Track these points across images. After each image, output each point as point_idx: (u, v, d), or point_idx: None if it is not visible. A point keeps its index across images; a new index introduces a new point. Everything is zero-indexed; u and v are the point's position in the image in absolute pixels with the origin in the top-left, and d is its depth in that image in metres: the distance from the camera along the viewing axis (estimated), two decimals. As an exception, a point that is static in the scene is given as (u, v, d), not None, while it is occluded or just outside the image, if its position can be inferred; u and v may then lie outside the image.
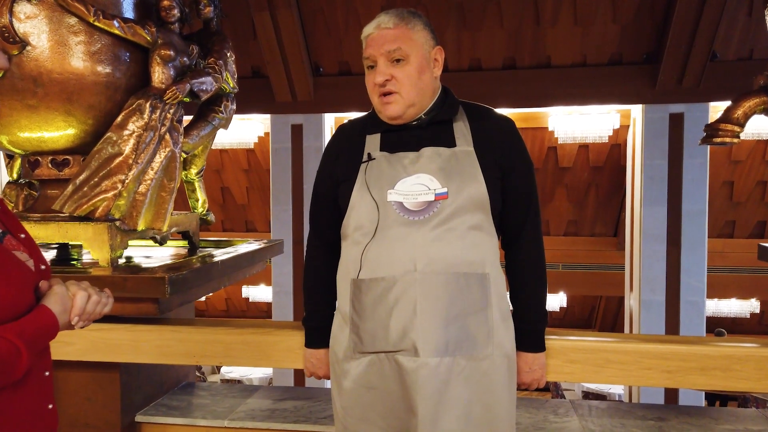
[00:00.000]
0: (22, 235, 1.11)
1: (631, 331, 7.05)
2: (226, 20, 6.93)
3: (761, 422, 1.99)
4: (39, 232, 2.00)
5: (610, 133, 7.07)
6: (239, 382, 8.09)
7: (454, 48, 6.47)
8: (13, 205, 2.35)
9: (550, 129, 7.23)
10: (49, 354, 1.12)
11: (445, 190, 1.47)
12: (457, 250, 1.46)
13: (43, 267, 1.11)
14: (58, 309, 1.03)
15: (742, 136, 6.16)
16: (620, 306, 8.21)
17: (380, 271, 1.47)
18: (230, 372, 8.33)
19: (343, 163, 1.60)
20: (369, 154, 1.56)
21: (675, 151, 6.24)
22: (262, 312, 10.36)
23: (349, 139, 1.63)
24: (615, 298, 8.53)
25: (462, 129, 1.56)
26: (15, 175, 2.35)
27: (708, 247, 6.34)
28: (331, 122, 7.00)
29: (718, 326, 8.68)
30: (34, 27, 1.92)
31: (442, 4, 6.21)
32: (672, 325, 6.53)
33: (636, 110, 6.82)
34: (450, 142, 1.54)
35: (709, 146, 6.40)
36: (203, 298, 10.25)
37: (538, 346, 1.62)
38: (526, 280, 1.62)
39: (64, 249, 2.39)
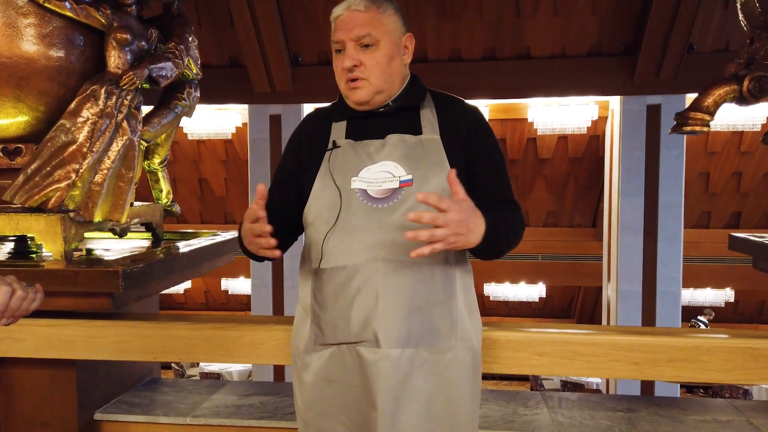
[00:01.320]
0: None
1: (608, 321, 7.09)
2: (202, 7, 6.77)
3: (730, 412, 1.97)
4: (-10, 223, 1.91)
5: (589, 125, 7.08)
6: (218, 375, 8.01)
7: (434, 38, 6.42)
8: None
9: (529, 120, 7.23)
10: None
11: (410, 177, 1.43)
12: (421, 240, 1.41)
13: None
14: None
15: (719, 127, 6.21)
16: (599, 296, 8.27)
17: (342, 260, 1.42)
18: (209, 366, 8.24)
19: (307, 151, 1.55)
20: (334, 142, 1.51)
21: (652, 143, 6.26)
22: (242, 304, 10.28)
23: (314, 127, 1.58)
24: (593, 288, 8.59)
25: (429, 117, 1.52)
26: (-32, 165, 2.25)
27: (684, 238, 6.38)
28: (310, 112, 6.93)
29: (694, 315, 8.78)
30: (-20, 8, 1.83)
31: (421, -7, 6.15)
32: (648, 315, 6.58)
33: (614, 101, 6.83)
34: (416, 130, 1.49)
35: (685, 137, 6.44)
36: (181, 291, 10.13)
37: (488, 224, 1.35)
38: (495, 211, 1.42)
39: (22, 241, 2.30)
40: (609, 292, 7.09)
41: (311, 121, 1.62)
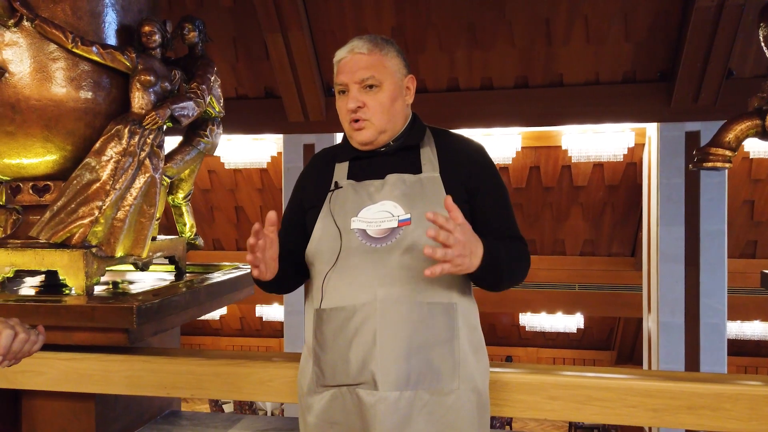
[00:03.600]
0: None
1: (649, 354, 6.85)
2: (239, 41, 7.00)
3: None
4: (18, 259, 1.99)
5: (625, 152, 6.94)
6: (252, 405, 8.04)
7: (465, 67, 6.45)
8: (2, 229, 2.36)
9: (563, 148, 7.13)
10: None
11: (408, 216, 1.43)
12: (421, 278, 1.40)
13: None
14: None
15: (762, 154, 5.99)
16: (640, 327, 7.99)
17: (341, 301, 1.42)
18: (243, 394, 8.27)
19: (311, 191, 1.58)
20: (336, 183, 1.53)
21: (692, 170, 6.09)
22: (275, 331, 10.34)
23: (319, 168, 1.62)
24: (634, 319, 8.31)
25: (429, 155, 1.52)
26: (4, 200, 2.36)
27: (729, 268, 6.14)
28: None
29: (742, 349, 8.38)
30: (14, 54, 1.93)
31: (452, 24, 6.20)
32: (692, 348, 6.33)
33: (651, 128, 6.69)
34: (416, 169, 1.50)
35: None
36: (217, 317, 10.26)
37: (486, 249, 1.34)
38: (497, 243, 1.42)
39: (53, 274, 2.38)
40: (650, 323, 6.86)
41: (317, 161, 1.64)
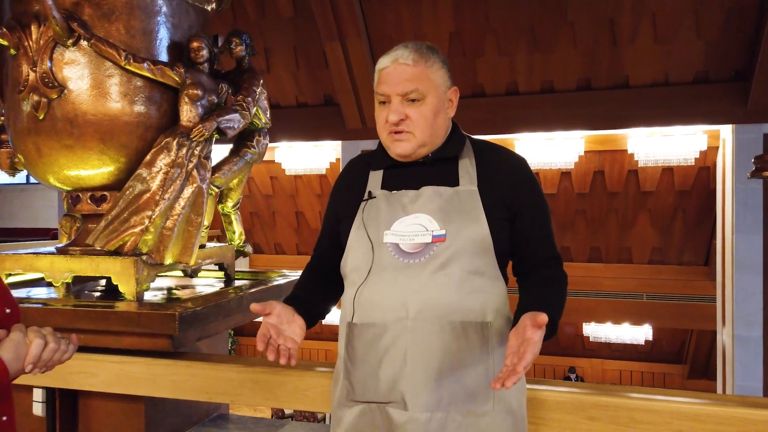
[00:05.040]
0: None
1: (723, 369, 6.47)
2: (300, 50, 7.14)
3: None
4: (76, 265, 2.10)
5: (697, 155, 6.60)
6: (314, 413, 8.11)
7: (525, 70, 6.32)
8: (67, 236, 2.50)
9: (629, 151, 6.86)
10: (9, 397, 1.14)
11: (443, 231, 1.39)
12: (454, 296, 1.37)
13: (8, 311, 1.14)
14: (10, 356, 1.04)
15: None
16: (714, 341, 7.56)
17: (372, 317, 1.40)
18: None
19: (345, 200, 1.55)
20: (369, 192, 1.50)
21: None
22: (334, 334, 10.44)
23: (354, 175, 1.59)
24: (708, 332, 7.87)
25: (467, 167, 1.47)
26: (66, 208, 2.50)
27: (812, 279, 5.72)
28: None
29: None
30: (72, 72, 2.05)
31: (512, 27, 6.10)
32: (771, 365, 5.94)
33: (725, 130, 6.34)
34: (453, 181, 1.45)
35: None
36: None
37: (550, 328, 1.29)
38: (541, 286, 1.42)
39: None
40: (724, 337, 6.48)
41: (351, 168, 1.61)
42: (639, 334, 8.38)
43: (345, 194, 1.57)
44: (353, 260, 1.47)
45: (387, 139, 1.48)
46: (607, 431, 1.54)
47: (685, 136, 6.58)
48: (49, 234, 8.52)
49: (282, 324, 1.37)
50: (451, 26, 6.22)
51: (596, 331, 8.39)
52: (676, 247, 7.72)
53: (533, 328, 1.20)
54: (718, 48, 5.74)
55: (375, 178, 1.52)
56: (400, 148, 1.46)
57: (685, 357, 8.85)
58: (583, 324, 8.45)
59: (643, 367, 9.03)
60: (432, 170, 1.48)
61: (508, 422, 1.39)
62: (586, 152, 7.01)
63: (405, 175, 1.49)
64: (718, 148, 6.56)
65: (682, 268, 7.78)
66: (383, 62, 1.46)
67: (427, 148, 1.47)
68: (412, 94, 1.41)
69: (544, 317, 1.20)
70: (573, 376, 8.72)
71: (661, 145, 6.67)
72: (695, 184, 7.13)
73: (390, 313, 1.38)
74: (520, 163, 1.52)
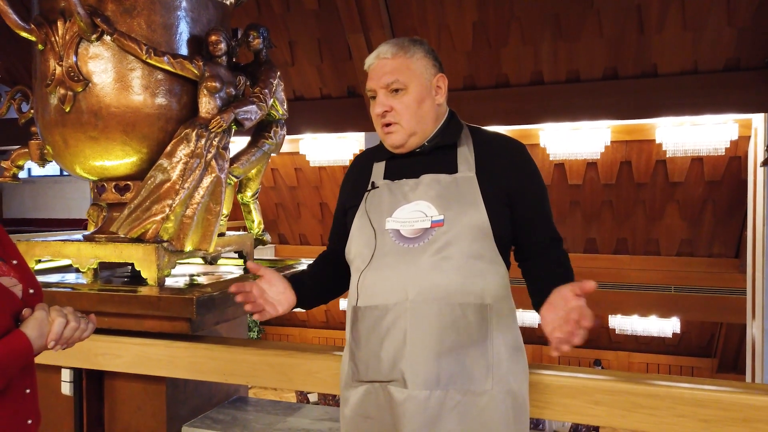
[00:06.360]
0: (15, 261, 1.22)
1: (753, 363, 6.36)
2: (324, 43, 7.18)
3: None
4: (101, 252, 2.19)
5: (727, 145, 6.47)
6: (334, 397, 8.26)
7: (550, 59, 6.26)
8: (94, 224, 2.60)
9: (657, 141, 6.76)
10: (32, 372, 1.22)
11: (441, 217, 1.44)
12: (453, 279, 1.41)
13: (31, 291, 1.21)
14: (34, 334, 1.12)
15: None
16: (744, 334, 7.41)
17: (375, 299, 1.46)
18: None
19: (351, 191, 1.63)
20: (373, 183, 1.57)
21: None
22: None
23: (360, 167, 1.67)
24: (738, 325, 7.72)
25: (465, 154, 1.52)
26: (93, 197, 2.60)
27: None
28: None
29: None
30: (96, 66, 2.13)
31: (536, 16, 6.04)
32: (802, 359, 5.81)
33: (757, 119, 6.20)
34: (452, 168, 1.50)
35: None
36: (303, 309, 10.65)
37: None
38: (548, 267, 1.47)
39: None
40: (754, 330, 6.36)
41: (358, 162, 1.70)
42: (667, 326, 8.26)
43: (351, 186, 1.65)
44: (357, 246, 1.53)
45: (381, 133, 1.56)
46: (610, 415, 1.56)
47: (715, 126, 6.45)
48: (82, 224, 8.79)
49: (270, 290, 1.52)
50: (474, 16, 6.19)
51: (622, 323, 8.30)
52: (705, 239, 7.58)
53: (576, 297, 1.23)
54: (749, 35, 5.60)
55: (378, 169, 1.60)
56: (390, 140, 1.54)
57: (715, 350, 8.69)
58: (609, 316, 8.37)
59: (671, 360, 8.91)
60: (431, 159, 1.54)
61: (508, 403, 1.43)
62: (612, 142, 6.93)
63: (406, 165, 1.56)
64: (749, 137, 6.41)
65: (712, 260, 7.64)
66: (368, 60, 1.56)
67: (419, 136, 1.54)
68: (393, 85, 1.49)
69: (590, 284, 1.22)
70: (599, 368, 8.66)
71: (690, 135, 6.56)
72: (726, 174, 6.98)
73: (391, 296, 1.43)
74: (518, 148, 1.56)
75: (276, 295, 1.53)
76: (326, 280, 1.68)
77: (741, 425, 1.45)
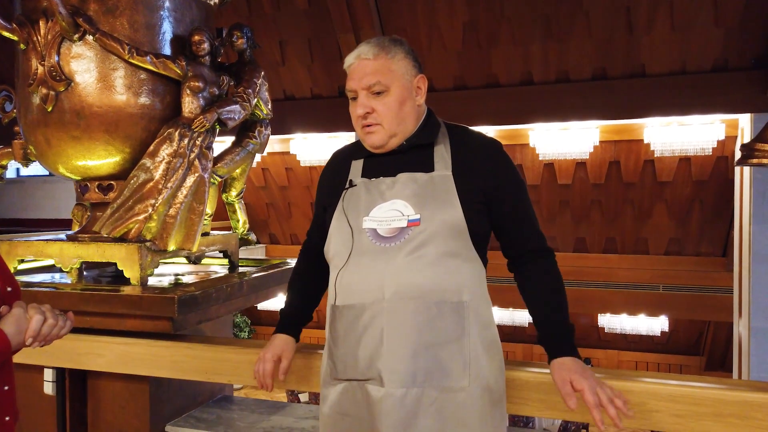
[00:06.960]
0: None
1: (740, 361, 6.41)
2: (314, 43, 7.16)
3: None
4: (84, 251, 2.20)
5: (714, 145, 6.52)
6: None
7: (540, 60, 6.29)
8: (78, 223, 2.60)
9: (645, 141, 6.80)
10: (10, 369, 1.22)
11: (417, 216, 1.45)
12: (429, 277, 1.43)
13: (9, 289, 1.22)
14: (12, 330, 1.12)
15: None
16: (731, 333, 7.48)
17: (352, 298, 1.47)
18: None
19: (329, 189, 1.64)
20: (350, 181, 1.58)
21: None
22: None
23: (337, 166, 1.67)
24: (725, 324, 7.78)
25: (442, 152, 1.53)
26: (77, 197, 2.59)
27: (832, 271, 5.63)
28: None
29: None
30: (79, 65, 2.13)
31: (527, 17, 6.07)
32: (788, 357, 5.86)
33: (744, 120, 6.24)
34: (428, 167, 1.51)
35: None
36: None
37: (574, 351, 1.47)
38: (540, 288, 1.52)
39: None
40: (741, 329, 6.41)
41: (335, 160, 1.70)
42: (655, 325, 8.31)
43: (329, 184, 1.65)
44: (335, 246, 1.54)
45: (360, 133, 1.57)
46: (586, 410, 1.57)
47: (702, 126, 6.50)
48: (71, 224, 8.75)
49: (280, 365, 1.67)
50: (465, 16, 6.21)
51: (611, 322, 8.35)
52: (693, 238, 7.63)
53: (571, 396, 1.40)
54: (737, 35, 5.65)
55: (356, 167, 1.61)
56: (371, 140, 1.54)
57: (702, 349, 8.76)
58: (598, 315, 8.41)
59: (660, 358, 8.97)
60: (409, 157, 1.55)
61: (485, 398, 1.44)
62: (601, 142, 6.96)
63: (383, 163, 1.56)
64: (736, 137, 6.46)
65: (700, 259, 7.69)
66: (348, 60, 1.56)
67: (399, 137, 1.54)
68: (375, 87, 1.49)
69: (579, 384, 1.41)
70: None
71: (677, 135, 6.60)
72: (713, 174, 7.04)
73: (368, 295, 1.44)
74: (494, 146, 1.57)
75: (285, 362, 1.67)
76: (312, 290, 1.73)
77: (712, 419, 1.47)
